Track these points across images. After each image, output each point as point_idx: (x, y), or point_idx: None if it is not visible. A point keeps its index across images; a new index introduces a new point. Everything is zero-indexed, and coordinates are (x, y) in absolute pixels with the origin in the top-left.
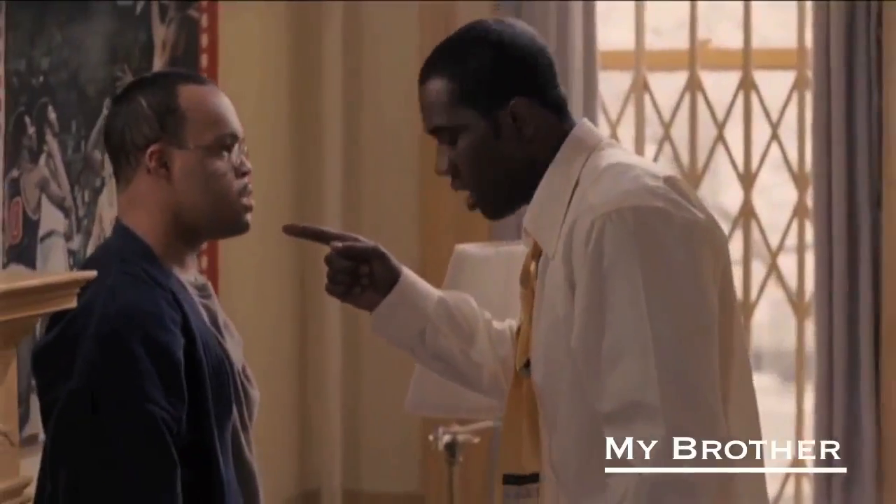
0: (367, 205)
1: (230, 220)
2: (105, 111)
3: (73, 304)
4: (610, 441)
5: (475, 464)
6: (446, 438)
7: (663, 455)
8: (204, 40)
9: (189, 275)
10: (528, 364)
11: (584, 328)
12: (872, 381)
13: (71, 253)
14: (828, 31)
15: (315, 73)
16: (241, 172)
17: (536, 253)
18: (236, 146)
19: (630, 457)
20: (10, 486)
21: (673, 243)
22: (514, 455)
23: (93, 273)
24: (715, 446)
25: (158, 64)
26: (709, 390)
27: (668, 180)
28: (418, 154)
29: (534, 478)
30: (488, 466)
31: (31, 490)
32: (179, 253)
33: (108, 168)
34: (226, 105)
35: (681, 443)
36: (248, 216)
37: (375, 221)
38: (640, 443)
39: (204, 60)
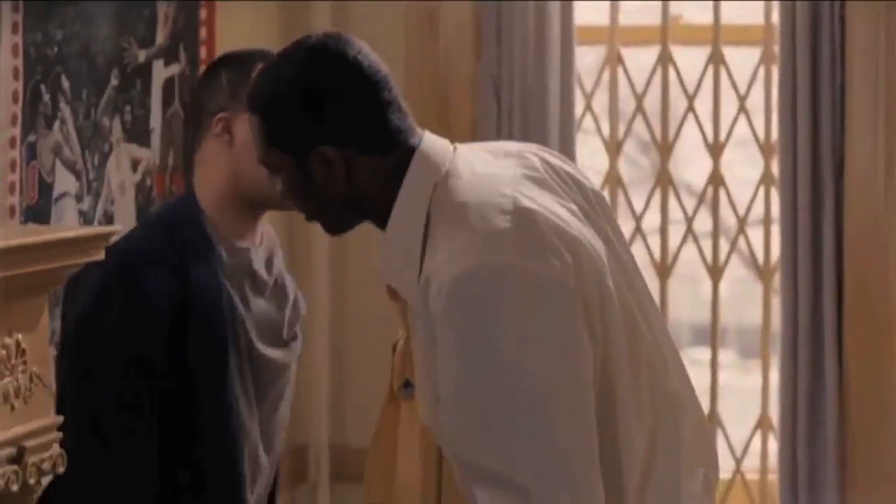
0: None
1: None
2: (113, 81)
3: (100, 256)
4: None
5: None
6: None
7: None
8: (203, 13)
9: (245, 240)
10: (407, 384)
11: (454, 392)
12: (835, 341)
13: (81, 213)
14: (794, 8)
15: None
16: None
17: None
18: None
19: None
20: (43, 424)
21: (529, 305)
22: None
23: (118, 228)
24: None
25: (161, 36)
26: (583, 464)
27: (523, 213)
28: None
29: None
30: None
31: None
32: (236, 217)
33: (116, 133)
34: None
35: None
36: None
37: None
38: None
39: (203, 33)
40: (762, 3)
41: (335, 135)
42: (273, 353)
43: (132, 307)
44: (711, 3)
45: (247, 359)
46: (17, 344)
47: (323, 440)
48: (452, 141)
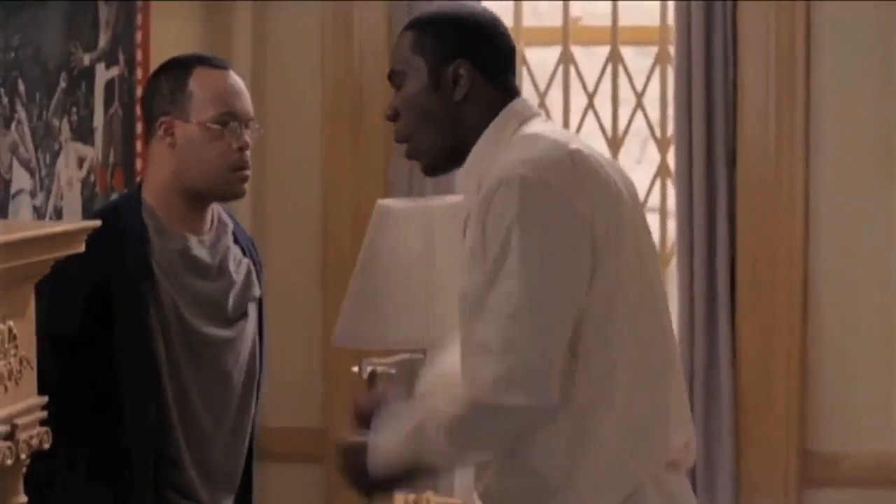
0: (272, 190)
1: (222, 187)
2: (62, 84)
3: (81, 248)
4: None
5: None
6: (369, 369)
7: (498, 389)
8: (139, 19)
9: (187, 229)
10: None
11: (466, 278)
12: (728, 323)
13: (35, 209)
14: (688, 9)
15: (226, 48)
16: (237, 147)
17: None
18: (237, 124)
19: (464, 374)
20: (32, 404)
21: (548, 216)
22: None
23: (97, 222)
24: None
25: (103, 40)
26: (553, 348)
27: (574, 154)
28: (319, 136)
29: None
30: (406, 394)
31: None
32: (180, 209)
33: (64, 133)
34: (234, 87)
35: (514, 387)
36: (242, 185)
37: (280, 201)
38: (480, 370)
39: (138, 36)
40: (658, 4)
41: (476, 55)
42: (214, 330)
43: (58, 294)
44: (610, 5)
45: (178, 334)
46: (10, 330)
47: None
48: (366, 143)
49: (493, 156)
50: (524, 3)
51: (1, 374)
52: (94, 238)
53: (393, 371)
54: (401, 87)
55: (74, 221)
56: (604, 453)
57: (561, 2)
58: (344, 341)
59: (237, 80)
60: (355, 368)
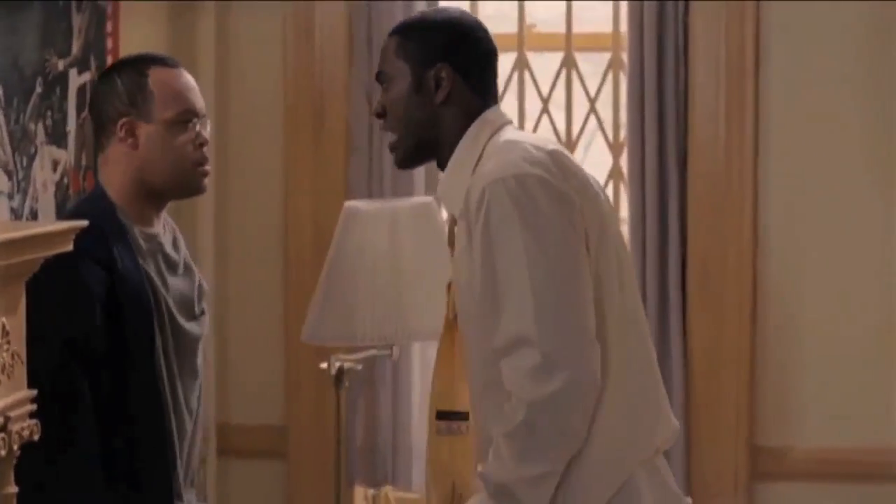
0: (234, 190)
1: (186, 184)
2: (38, 89)
3: (69, 247)
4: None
5: (353, 389)
6: (337, 365)
7: (539, 381)
8: (109, 26)
9: (153, 227)
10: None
11: (480, 280)
12: (680, 323)
13: (12, 210)
14: (641, 16)
15: (191, 63)
16: (198, 144)
17: (453, 218)
18: (196, 120)
19: (507, 383)
20: (22, 397)
21: (546, 204)
22: (444, 394)
23: (84, 222)
24: (585, 375)
25: (76, 47)
26: (580, 325)
27: (553, 154)
28: (281, 137)
29: (463, 416)
30: (369, 391)
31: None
32: (143, 209)
33: (39, 137)
34: (189, 85)
35: (554, 368)
36: (204, 181)
37: (242, 201)
38: (518, 369)
39: (109, 43)
40: (611, 11)
41: (457, 59)
42: (189, 325)
43: (71, 297)
44: (564, 13)
45: (169, 332)
46: (3, 326)
47: (211, 417)
48: (327, 144)
49: (470, 165)
50: (479, 9)
51: None
52: (88, 242)
53: (359, 367)
54: (387, 88)
55: (61, 222)
56: (602, 441)
57: (518, 2)
58: (312, 338)
59: (190, 77)
60: (324, 365)
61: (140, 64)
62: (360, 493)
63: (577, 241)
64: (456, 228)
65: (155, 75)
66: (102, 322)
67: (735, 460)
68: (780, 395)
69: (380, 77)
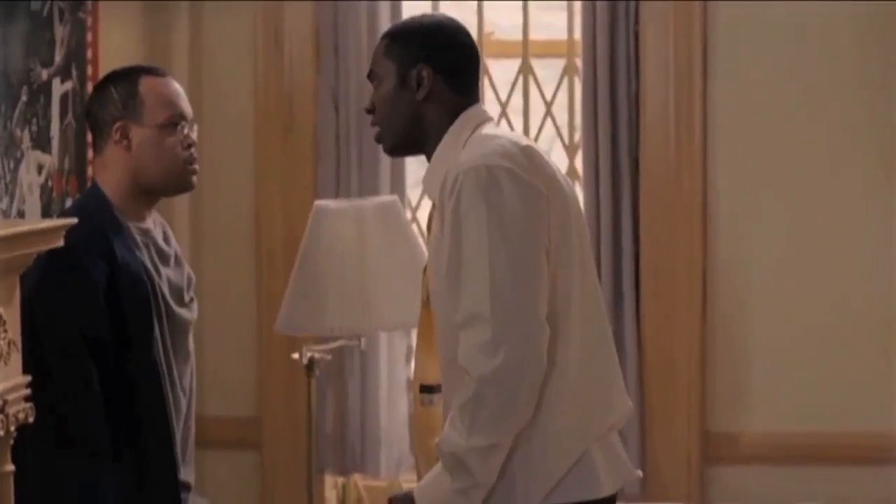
0: (207, 188)
1: (177, 182)
2: (23, 97)
3: (61, 242)
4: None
5: (323, 380)
6: (308, 355)
7: (488, 355)
8: (89, 37)
9: (146, 223)
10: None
11: (447, 260)
12: (634, 314)
13: (1, 212)
14: (594, 25)
15: (166, 67)
16: (186, 145)
17: (434, 206)
18: (184, 123)
19: (460, 358)
20: (18, 382)
21: (512, 195)
22: (425, 370)
23: (74, 219)
24: (533, 352)
25: (59, 57)
26: (531, 307)
27: (526, 149)
28: (252, 138)
29: (438, 388)
30: (337, 382)
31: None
32: (136, 206)
33: (25, 142)
34: (177, 92)
35: (500, 344)
36: (194, 178)
37: (215, 199)
38: (471, 344)
39: (89, 53)
40: (566, 20)
41: (438, 61)
42: (181, 311)
43: (76, 287)
44: (521, 20)
45: (165, 318)
46: (0, 316)
47: None
48: (296, 145)
49: (452, 156)
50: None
51: None
52: (89, 236)
53: (329, 357)
54: (376, 86)
55: (53, 219)
56: (562, 416)
57: (476, 11)
58: (286, 329)
59: (178, 85)
60: (295, 355)
61: (132, 74)
62: (330, 482)
63: (539, 231)
64: (434, 214)
65: (146, 83)
66: (105, 310)
67: (688, 445)
68: (730, 383)
69: (370, 76)
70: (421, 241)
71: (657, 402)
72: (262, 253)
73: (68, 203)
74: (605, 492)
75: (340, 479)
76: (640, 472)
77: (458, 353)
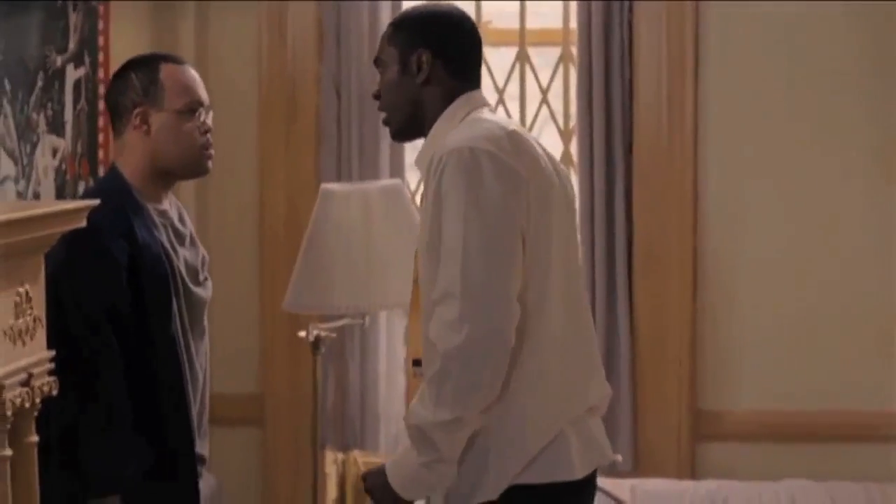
0: (213, 174)
1: (194, 166)
2: (39, 83)
3: (83, 223)
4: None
5: (324, 358)
6: (315, 333)
7: (454, 331)
8: (101, 24)
9: (163, 204)
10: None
11: (428, 238)
12: (627, 296)
13: (19, 193)
14: (589, 14)
15: (173, 49)
16: (203, 130)
17: None
18: (202, 110)
19: (430, 332)
20: (42, 356)
21: (492, 177)
22: (417, 345)
23: (97, 201)
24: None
25: (72, 44)
26: (501, 287)
27: (512, 133)
28: (256, 127)
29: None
30: (339, 359)
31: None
32: (154, 188)
33: (41, 126)
34: (195, 79)
35: (465, 322)
36: (209, 163)
37: (221, 185)
38: (441, 320)
39: (101, 40)
40: (561, 8)
41: (437, 46)
42: (197, 290)
43: (100, 266)
44: (517, 9)
45: (183, 297)
46: (26, 293)
47: None
48: (299, 132)
49: (444, 137)
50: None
51: (20, 330)
52: (111, 217)
53: (334, 335)
54: (382, 73)
55: (75, 201)
56: (538, 396)
57: (473, 2)
58: (293, 307)
59: (195, 72)
60: (302, 333)
61: (152, 61)
62: (330, 457)
63: (516, 213)
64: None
65: (165, 70)
66: (126, 287)
67: (678, 423)
68: (719, 363)
69: (377, 62)
70: None
71: (649, 382)
72: (265, 234)
73: (81, 185)
74: (578, 474)
75: (340, 455)
76: (618, 457)
77: (429, 328)
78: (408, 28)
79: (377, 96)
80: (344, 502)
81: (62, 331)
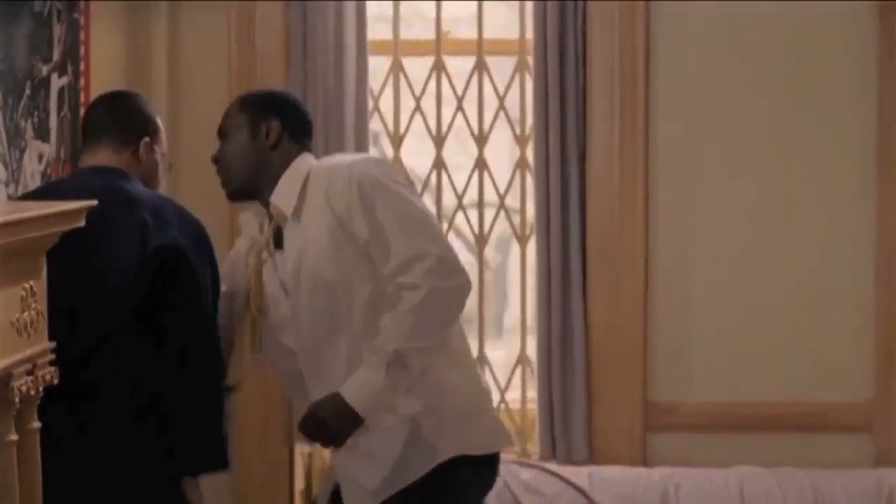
0: (186, 184)
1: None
2: (27, 91)
3: (81, 223)
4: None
5: None
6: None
7: (445, 276)
8: (82, 35)
9: None
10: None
11: (367, 233)
12: (581, 293)
13: (9, 197)
14: (545, 25)
15: (146, 62)
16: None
17: (278, 226)
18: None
19: (408, 281)
20: (44, 348)
21: (398, 175)
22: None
23: (93, 202)
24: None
25: (56, 54)
26: (449, 246)
27: (377, 158)
28: None
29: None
30: None
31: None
32: None
33: (28, 133)
34: None
35: (454, 269)
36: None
37: (191, 195)
38: (421, 270)
39: (82, 50)
40: (517, 20)
41: (285, 117)
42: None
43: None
44: (476, 19)
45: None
46: (31, 288)
47: None
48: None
49: (297, 182)
50: (402, 19)
51: (25, 323)
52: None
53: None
54: (225, 141)
55: (76, 202)
56: (465, 378)
57: (435, 11)
58: None
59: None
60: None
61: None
62: (297, 452)
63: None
64: (286, 228)
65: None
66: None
67: (631, 414)
68: (669, 358)
69: (219, 132)
70: None
71: (603, 374)
72: (235, 235)
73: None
74: (510, 443)
75: (307, 448)
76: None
77: (382, 299)
78: (259, 102)
79: (216, 160)
80: (310, 494)
81: (192, 304)
